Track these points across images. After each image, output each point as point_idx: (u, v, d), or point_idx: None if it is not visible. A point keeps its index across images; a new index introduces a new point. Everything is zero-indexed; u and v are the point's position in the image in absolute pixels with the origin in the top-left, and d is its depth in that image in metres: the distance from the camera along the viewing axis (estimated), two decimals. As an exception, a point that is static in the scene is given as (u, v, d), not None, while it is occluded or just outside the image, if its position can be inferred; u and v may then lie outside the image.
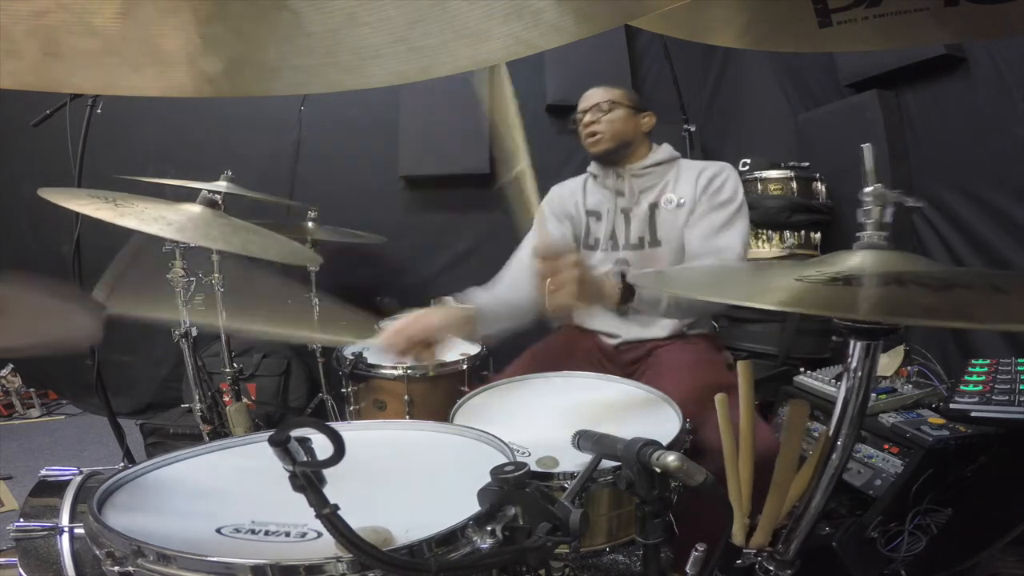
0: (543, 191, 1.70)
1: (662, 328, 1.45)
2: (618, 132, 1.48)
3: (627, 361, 1.48)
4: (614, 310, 1.25)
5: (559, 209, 1.61)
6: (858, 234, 0.66)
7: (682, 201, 1.43)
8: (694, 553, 0.71)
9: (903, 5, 0.51)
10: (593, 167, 1.59)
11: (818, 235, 2.22)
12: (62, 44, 0.27)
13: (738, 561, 0.79)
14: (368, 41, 0.29)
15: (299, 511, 0.53)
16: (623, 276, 1.16)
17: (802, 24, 0.52)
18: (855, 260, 0.63)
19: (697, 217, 1.40)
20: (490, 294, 1.42)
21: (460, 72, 0.30)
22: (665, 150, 1.52)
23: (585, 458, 0.78)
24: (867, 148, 0.68)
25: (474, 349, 1.77)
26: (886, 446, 1.35)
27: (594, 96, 1.51)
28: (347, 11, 0.28)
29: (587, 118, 1.51)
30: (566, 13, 0.29)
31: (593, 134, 1.49)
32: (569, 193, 1.62)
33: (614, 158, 1.51)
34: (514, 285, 1.42)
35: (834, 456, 0.70)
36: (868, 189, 0.66)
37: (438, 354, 1.20)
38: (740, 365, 0.81)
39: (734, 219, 1.37)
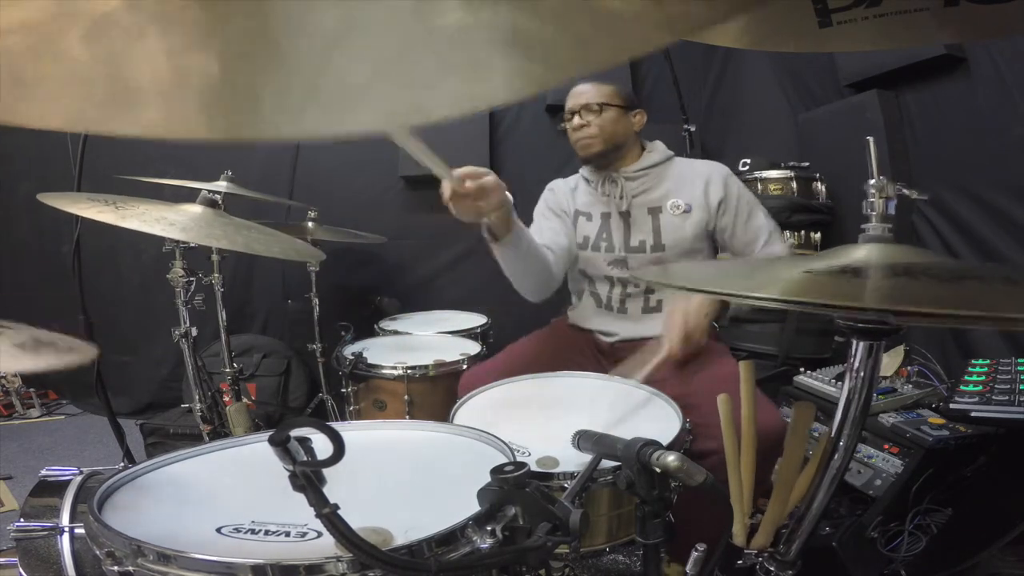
0: (540, 192, 1.71)
1: (658, 327, 1.44)
2: (610, 135, 1.44)
3: (624, 359, 1.47)
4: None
5: (555, 205, 1.60)
6: (863, 226, 0.66)
7: (689, 206, 1.42)
8: (694, 553, 0.71)
9: (903, 5, 0.51)
10: (584, 170, 1.56)
11: (818, 235, 2.23)
12: (27, 71, 0.25)
13: (739, 562, 0.79)
14: (354, 78, 0.26)
15: (299, 511, 0.53)
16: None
17: (802, 24, 0.52)
18: (860, 253, 0.63)
19: (732, 235, 1.44)
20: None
21: (459, 115, 0.27)
22: (658, 151, 1.50)
23: (585, 458, 0.78)
24: (871, 140, 0.68)
25: (474, 349, 1.77)
26: (886, 446, 1.35)
27: (583, 94, 1.45)
28: (331, 43, 0.26)
29: (576, 120, 1.45)
30: (571, 46, 0.27)
31: (584, 137, 1.45)
32: (565, 190, 1.60)
33: (604, 161, 1.48)
34: (547, 258, 1.46)
35: (836, 456, 0.69)
36: (872, 181, 0.66)
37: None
38: (742, 365, 0.81)
39: (756, 212, 1.43)
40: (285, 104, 0.26)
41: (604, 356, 1.51)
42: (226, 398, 1.84)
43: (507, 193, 1.18)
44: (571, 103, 1.46)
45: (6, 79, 0.25)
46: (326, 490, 0.51)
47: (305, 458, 0.51)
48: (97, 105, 0.26)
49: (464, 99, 0.27)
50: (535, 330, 1.64)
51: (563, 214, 1.58)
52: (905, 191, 0.66)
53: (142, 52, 0.26)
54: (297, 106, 0.26)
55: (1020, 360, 1.41)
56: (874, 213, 0.65)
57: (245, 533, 0.63)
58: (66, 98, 0.26)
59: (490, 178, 1.12)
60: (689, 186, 1.44)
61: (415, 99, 0.27)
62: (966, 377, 1.38)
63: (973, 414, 1.23)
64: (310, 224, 2.33)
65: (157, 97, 0.26)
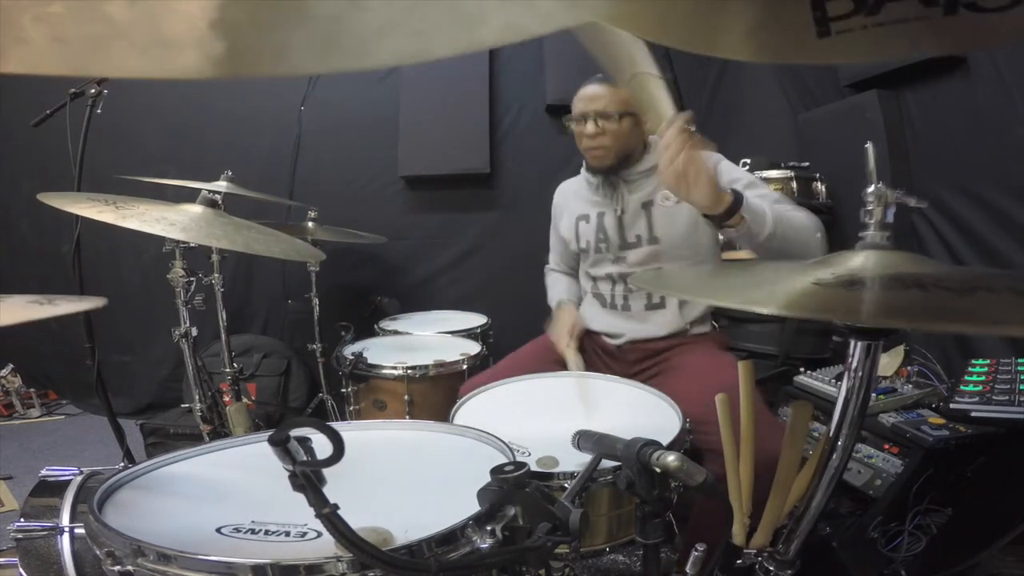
0: (540, 192, 1.71)
1: (665, 326, 1.44)
2: (623, 146, 1.38)
3: (631, 361, 1.47)
4: (716, 221, 1.10)
5: (559, 211, 1.62)
6: (861, 234, 0.66)
7: None
8: (694, 553, 0.71)
9: (902, 13, 0.50)
10: (586, 172, 1.53)
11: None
12: (70, 30, 0.28)
13: (738, 561, 0.79)
14: (369, 24, 0.30)
15: (299, 511, 0.53)
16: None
17: (801, 34, 0.51)
18: (858, 260, 0.63)
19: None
20: (567, 291, 1.67)
21: (457, 55, 0.31)
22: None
23: (585, 458, 0.78)
24: (869, 148, 0.68)
25: (474, 349, 1.77)
26: (886, 446, 1.35)
27: (600, 99, 1.35)
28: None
29: (591, 127, 1.35)
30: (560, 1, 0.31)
31: (597, 148, 1.38)
32: (570, 193, 1.60)
33: (614, 171, 1.43)
34: (569, 286, 1.68)
35: (834, 456, 0.69)
36: (870, 189, 0.66)
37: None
38: (741, 365, 0.81)
39: (756, 183, 1.31)
40: (308, 48, 0.30)
41: (611, 359, 1.50)
42: (226, 398, 1.84)
43: None
44: (585, 106, 1.37)
45: (50, 38, 0.28)
46: (326, 490, 0.51)
47: (305, 458, 0.51)
48: (136, 55, 0.29)
49: (461, 42, 0.31)
50: (534, 329, 1.64)
51: (559, 228, 1.62)
52: (904, 199, 0.65)
53: (179, 10, 0.29)
54: (319, 49, 0.30)
55: (1020, 360, 1.41)
56: (872, 221, 0.65)
57: (245, 533, 0.63)
58: (107, 49, 0.29)
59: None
60: None
61: (422, 43, 0.31)
62: (966, 377, 1.38)
63: (973, 414, 1.23)
64: (310, 224, 2.33)
65: (191, 45, 0.29)
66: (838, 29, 0.50)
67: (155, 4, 0.29)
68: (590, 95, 1.38)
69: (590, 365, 1.44)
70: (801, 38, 0.51)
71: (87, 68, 0.29)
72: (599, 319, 1.54)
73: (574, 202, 1.57)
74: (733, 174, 1.33)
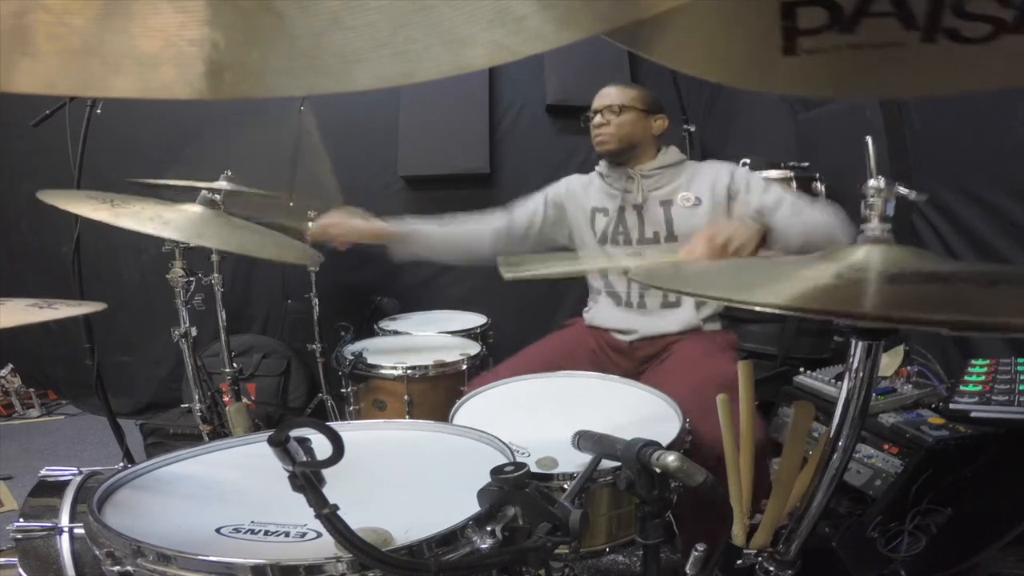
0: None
1: (679, 324, 1.47)
2: (625, 135, 1.51)
3: (641, 358, 1.49)
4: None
5: (555, 196, 1.65)
6: (861, 227, 0.65)
7: (699, 200, 1.47)
8: (694, 553, 0.71)
9: (880, 35, 0.43)
10: (602, 166, 1.61)
11: (818, 235, 2.22)
12: (40, 45, 0.27)
13: (739, 562, 0.79)
14: (351, 45, 0.29)
15: (299, 511, 0.53)
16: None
17: (764, 52, 0.48)
18: (859, 255, 0.62)
19: (758, 211, 1.40)
20: (439, 228, 1.73)
21: (442, 77, 0.30)
22: (673, 153, 1.55)
23: (585, 458, 0.78)
24: (869, 141, 0.68)
25: (474, 349, 1.77)
26: (886, 446, 1.35)
27: (608, 96, 1.53)
28: (331, 15, 0.29)
29: (597, 119, 1.53)
30: (547, 20, 0.30)
31: (600, 135, 1.53)
32: (579, 187, 1.65)
33: (620, 159, 1.54)
34: (476, 234, 1.72)
35: (835, 457, 0.69)
36: (871, 181, 0.65)
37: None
38: (741, 365, 0.81)
39: (771, 187, 1.43)
40: (289, 69, 0.29)
41: (622, 356, 1.52)
42: (226, 398, 1.84)
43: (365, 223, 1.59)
44: (596, 103, 1.55)
45: (19, 52, 0.27)
46: (326, 490, 0.51)
47: (304, 458, 0.51)
48: (109, 72, 0.28)
49: (448, 65, 0.30)
50: (534, 329, 1.65)
51: (557, 207, 1.65)
52: (904, 191, 0.65)
53: (153, 26, 0.28)
54: (300, 71, 0.29)
55: (1020, 360, 1.41)
56: (873, 214, 0.64)
57: (245, 533, 0.63)
58: (79, 66, 0.28)
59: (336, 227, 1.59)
60: (698, 182, 1.49)
61: (407, 65, 0.30)
62: (966, 377, 1.38)
63: (973, 414, 1.23)
64: (310, 224, 2.33)
65: (168, 63, 0.28)
66: (806, 47, 0.45)
67: (127, 19, 0.28)
68: (602, 94, 1.55)
69: (598, 362, 1.46)
70: (763, 57, 0.47)
71: (56, 86, 0.28)
72: (611, 316, 1.56)
73: (587, 194, 1.62)
74: (751, 183, 1.44)
